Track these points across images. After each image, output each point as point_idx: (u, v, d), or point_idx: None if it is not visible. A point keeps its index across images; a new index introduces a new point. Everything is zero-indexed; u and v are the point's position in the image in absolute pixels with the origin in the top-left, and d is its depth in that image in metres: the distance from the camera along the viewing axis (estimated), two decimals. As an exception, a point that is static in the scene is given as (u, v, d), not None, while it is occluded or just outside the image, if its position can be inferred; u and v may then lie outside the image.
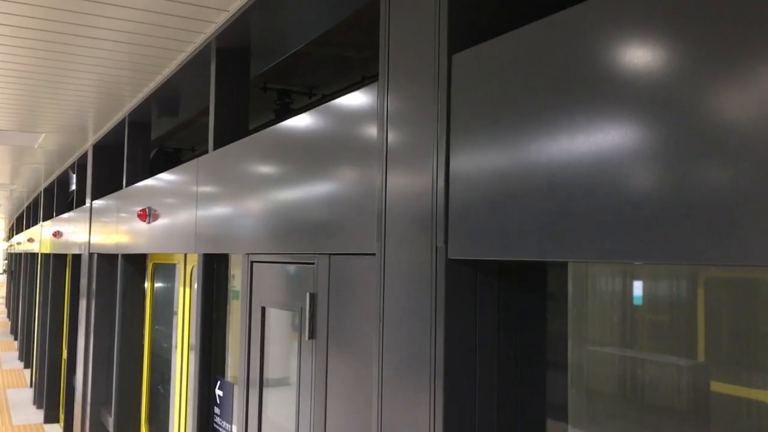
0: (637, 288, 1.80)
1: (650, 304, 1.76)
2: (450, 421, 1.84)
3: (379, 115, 2.20)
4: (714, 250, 1.17)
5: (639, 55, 1.33)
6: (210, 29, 3.80)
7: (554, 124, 1.52)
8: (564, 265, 1.99)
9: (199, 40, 4.00)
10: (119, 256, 6.03)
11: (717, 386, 1.59)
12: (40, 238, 12.04)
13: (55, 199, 10.88)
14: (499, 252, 1.67)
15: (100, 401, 6.70)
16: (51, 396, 10.39)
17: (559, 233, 1.49)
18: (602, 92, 1.40)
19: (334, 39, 4.31)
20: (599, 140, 1.40)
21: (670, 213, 1.25)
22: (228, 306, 3.98)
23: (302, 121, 2.79)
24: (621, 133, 1.36)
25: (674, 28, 1.27)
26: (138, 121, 6.05)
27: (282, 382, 3.15)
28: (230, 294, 3.99)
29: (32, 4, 3.50)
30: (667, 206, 1.25)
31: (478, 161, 1.75)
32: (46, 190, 12.26)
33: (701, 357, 1.63)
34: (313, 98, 5.58)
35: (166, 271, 5.44)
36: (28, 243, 14.29)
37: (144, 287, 5.97)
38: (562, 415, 1.99)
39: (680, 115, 1.24)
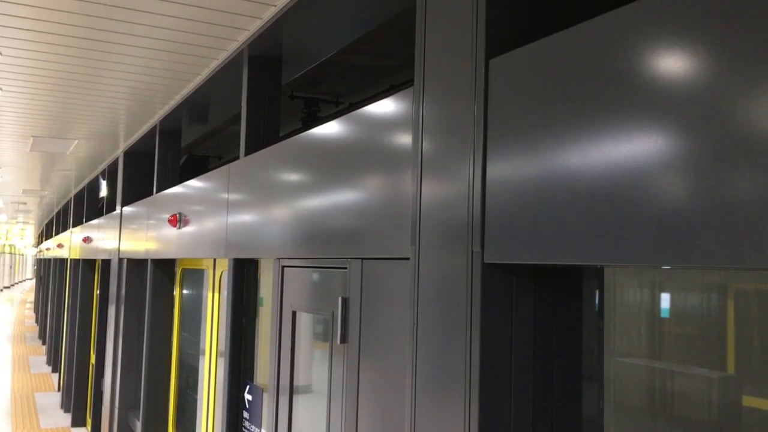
0: (674, 298, 1.78)
1: (691, 314, 1.74)
2: (485, 430, 1.83)
3: (414, 120, 2.21)
4: (749, 254, 1.16)
5: (679, 62, 1.32)
6: (243, 37, 3.85)
7: (592, 130, 1.51)
8: (600, 272, 1.97)
9: (231, 47, 4.05)
10: (148, 262, 6.10)
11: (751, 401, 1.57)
12: (69, 243, 12.22)
13: (85, 206, 11.05)
14: (536, 256, 1.67)
15: (127, 405, 6.77)
16: (78, 400, 10.51)
17: (596, 238, 1.48)
18: (642, 98, 1.40)
19: (361, 48, 4.33)
20: (639, 147, 1.39)
21: (706, 219, 1.24)
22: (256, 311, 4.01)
23: (334, 128, 2.81)
24: (661, 140, 1.35)
25: (713, 36, 1.26)
26: (169, 128, 6.14)
27: (311, 388, 3.16)
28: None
29: (68, 11, 3.58)
30: (704, 212, 1.24)
31: (515, 166, 1.75)
32: (76, 196, 12.46)
33: (735, 370, 1.60)
34: (340, 107, 5.61)
35: (195, 276, 5.49)
36: (58, 249, 14.52)
37: (173, 292, 6.03)
38: (598, 426, 1.97)
39: (719, 123, 1.23)
